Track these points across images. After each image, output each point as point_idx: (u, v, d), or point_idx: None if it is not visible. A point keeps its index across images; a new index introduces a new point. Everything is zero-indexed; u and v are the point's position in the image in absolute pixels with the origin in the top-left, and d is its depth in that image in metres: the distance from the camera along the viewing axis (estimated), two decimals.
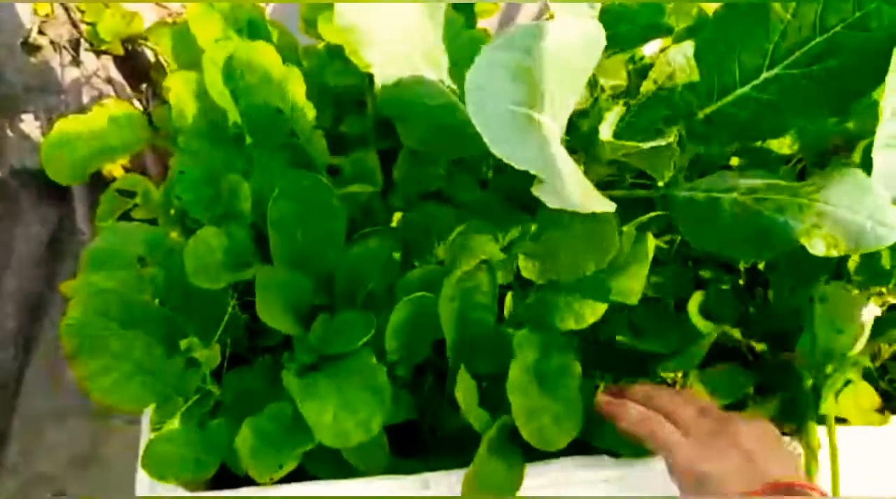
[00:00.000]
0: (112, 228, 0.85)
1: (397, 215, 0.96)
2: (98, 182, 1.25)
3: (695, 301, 0.88)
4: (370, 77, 0.95)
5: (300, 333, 0.82)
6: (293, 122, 0.86)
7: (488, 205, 0.87)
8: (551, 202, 0.68)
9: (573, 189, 0.69)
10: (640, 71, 0.96)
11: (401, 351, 0.80)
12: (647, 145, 0.77)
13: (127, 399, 0.77)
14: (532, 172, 0.65)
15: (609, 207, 0.71)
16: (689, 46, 0.89)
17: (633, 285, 0.81)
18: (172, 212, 0.90)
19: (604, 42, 0.75)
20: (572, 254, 0.78)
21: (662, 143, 0.76)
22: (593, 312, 0.83)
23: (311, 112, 0.85)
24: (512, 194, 0.93)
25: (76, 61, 1.34)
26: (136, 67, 1.39)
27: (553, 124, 0.70)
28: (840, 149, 1.11)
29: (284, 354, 0.83)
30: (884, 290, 0.97)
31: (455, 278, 0.76)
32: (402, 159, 0.91)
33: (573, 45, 0.71)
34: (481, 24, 1.37)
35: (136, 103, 1.39)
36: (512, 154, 0.64)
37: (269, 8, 1.56)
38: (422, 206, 0.91)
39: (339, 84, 0.95)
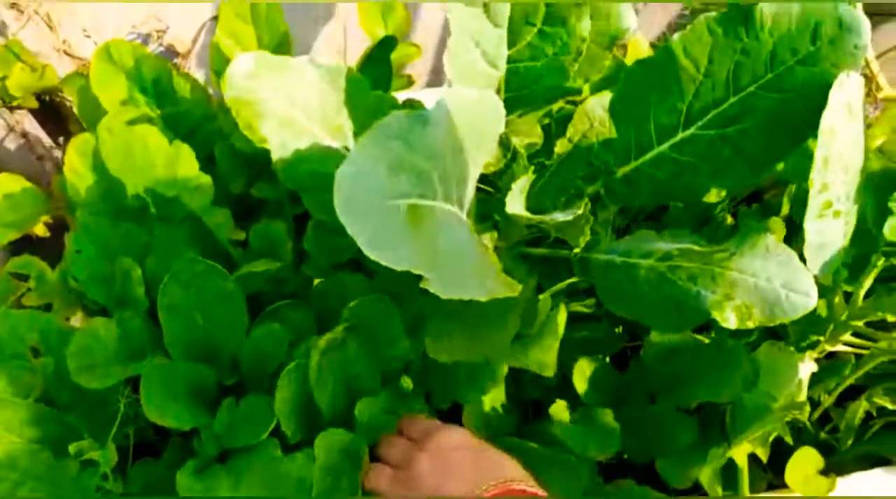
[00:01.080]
0: (3, 316, 0.80)
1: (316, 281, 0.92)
2: None
3: (580, 371, 0.86)
4: None
5: (206, 421, 0.77)
6: (189, 201, 0.81)
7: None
8: (445, 293, 0.64)
9: (474, 280, 0.66)
10: (560, 122, 0.92)
11: (301, 431, 0.76)
12: (557, 219, 0.73)
13: None
14: (416, 272, 0.61)
15: (514, 291, 0.67)
16: (606, 99, 0.86)
17: (546, 359, 0.78)
18: (70, 294, 0.85)
19: (502, 109, 0.72)
20: (474, 337, 0.74)
21: (571, 216, 0.72)
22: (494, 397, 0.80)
23: (207, 188, 0.81)
24: None
25: None
26: (56, 118, 1.33)
27: (449, 207, 0.67)
28: (769, 188, 1.09)
29: (193, 443, 0.79)
30: (821, 338, 0.95)
31: (320, 348, 0.73)
32: (310, 230, 0.87)
33: (468, 118, 0.67)
34: (408, 68, 1.34)
35: (58, 154, 1.33)
36: (393, 256, 0.59)
37: (198, 45, 1.51)
38: (334, 275, 0.86)
39: (248, 149, 0.90)
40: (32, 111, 1.31)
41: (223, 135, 1.00)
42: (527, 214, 0.73)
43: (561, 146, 0.83)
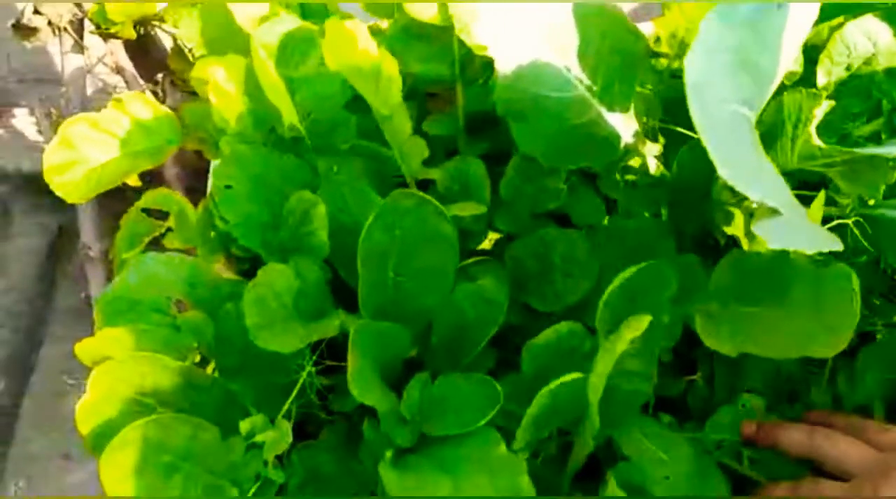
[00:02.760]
0: (141, 263, 0.64)
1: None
2: None
3: None
4: (462, 64, 0.75)
5: (392, 403, 0.61)
6: (385, 124, 0.65)
7: (643, 233, 0.67)
8: (776, 242, 0.48)
9: (801, 222, 0.49)
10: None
11: (531, 444, 0.60)
12: (867, 152, 0.57)
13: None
14: (766, 202, 0.45)
15: (838, 245, 0.51)
16: (874, 23, 0.70)
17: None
18: (213, 237, 0.69)
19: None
20: (794, 330, 0.58)
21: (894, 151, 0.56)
22: None
23: (406, 110, 0.65)
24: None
25: (79, 46, 1.13)
26: (151, 54, 1.18)
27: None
28: None
29: (366, 428, 0.63)
30: None
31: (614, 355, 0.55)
32: (512, 169, 0.71)
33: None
34: None
35: (151, 97, 1.18)
36: (748, 180, 0.43)
37: None
38: (537, 231, 0.70)
39: (426, 74, 0.74)
40: (125, 44, 1.15)
41: None
42: (836, 147, 0.57)
43: (834, 74, 0.67)
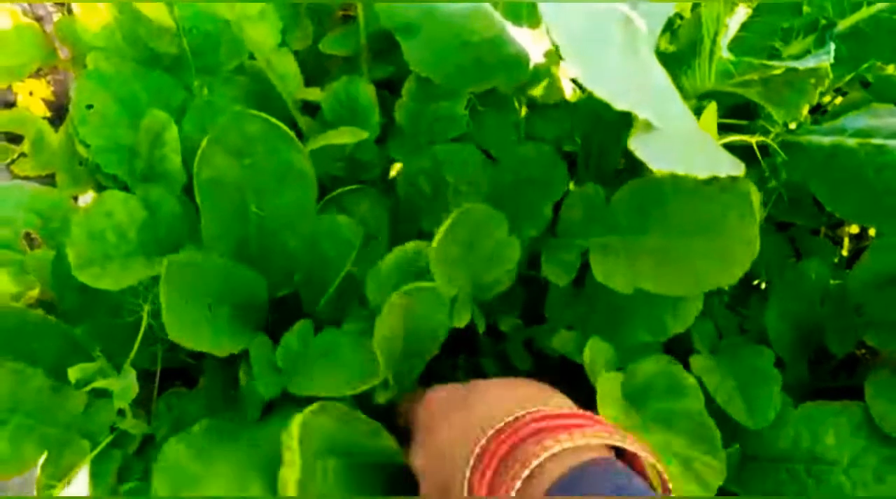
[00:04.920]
0: None
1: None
2: None
3: None
4: None
5: (254, 346, 0.55)
6: (250, 43, 0.58)
7: (530, 162, 0.60)
8: (657, 162, 0.41)
9: (691, 146, 0.43)
10: None
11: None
12: (789, 65, 0.50)
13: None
14: (634, 111, 0.38)
15: (740, 170, 0.45)
16: None
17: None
18: (78, 166, 0.63)
19: None
20: (689, 261, 0.51)
21: (815, 62, 0.49)
22: (682, 321, 0.57)
23: (274, 29, 0.58)
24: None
25: None
26: None
27: (648, 31, 0.44)
28: None
29: (241, 375, 0.57)
30: None
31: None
32: (406, 93, 0.64)
33: None
34: None
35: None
36: (612, 87, 0.37)
37: None
38: (430, 150, 0.63)
39: None
40: None
41: None
42: (748, 60, 0.50)
43: None
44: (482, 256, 0.55)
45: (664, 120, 0.39)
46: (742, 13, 0.51)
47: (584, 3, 0.39)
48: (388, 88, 0.70)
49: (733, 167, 0.45)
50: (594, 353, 0.56)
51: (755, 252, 0.49)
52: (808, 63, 0.47)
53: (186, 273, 0.49)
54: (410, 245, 0.53)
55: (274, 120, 0.52)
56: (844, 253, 0.78)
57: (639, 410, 0.54)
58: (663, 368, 0.57)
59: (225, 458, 0.49)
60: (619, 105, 0.38)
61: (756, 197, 0.49)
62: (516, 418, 0.43)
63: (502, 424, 0.43)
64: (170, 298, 0.47)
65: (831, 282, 0.68)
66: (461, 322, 0.55)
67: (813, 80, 0.51)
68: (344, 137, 0.58)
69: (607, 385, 0.53)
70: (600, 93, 0.38)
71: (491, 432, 0.43)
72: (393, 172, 0.71)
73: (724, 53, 0.50)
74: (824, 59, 0.48)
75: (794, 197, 0.67)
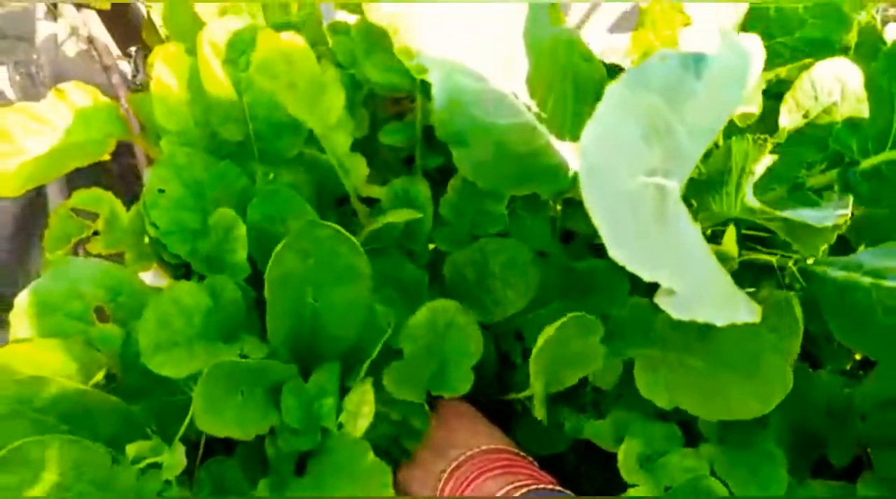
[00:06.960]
0: (61, 265, 0.63)
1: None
2: None
3: None
4: None
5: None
6: (324, 141, 0.63)
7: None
8: (679, 314, 0.45)
9: (713, 296, 0.47)
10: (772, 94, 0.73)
11: None
12: (806, 220, 0.54)
13: None
14: (658, 281, 0.43)
15: (756, 316, 0.49)
16: (846, 66, 0.67)
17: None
18: (145, 242, 0.68)
19: (761, 64, 0.52)
20: (725, 390, 0.56)
21: (832, 221, 0.53)
22: None
23: (348, 126, 0.63)
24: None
25: (52, 14, 1.11)
26: (126, 25, 1.15)
27: (676, 190, 0.49)
28: None
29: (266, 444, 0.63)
30: None
31: None
32: (453, 188, 0.69)
33: (725, 72, 0.48)
34: None
35: (126, 67, 1.15)
36: (643, 259, 0.41)
37: None
38: (476, 243, 0.68)
39: (384, 83, 0.71)
40: (101, 13, 1.13)
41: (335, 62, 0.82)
42: (770, 210, 0.54)
43: (790, 122, 0.65)
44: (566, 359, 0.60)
45: (690, 286, 0.44)
46: (768, 160, 0.56)
47: (623, 179, 0.43)
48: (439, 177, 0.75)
49: (751, 314, 0.49)
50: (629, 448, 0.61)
51: (788, 389, 0.53)
52: (826, 222, 0.52)
53: (224, 370, 0.54)
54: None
55: (341, 229, 0.57)
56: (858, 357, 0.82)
57: None
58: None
59: None
60: (643, 274, 0.42)
61: (798, 341, 0.54)
62: None
63: None
64: (206, 397, 0.52)
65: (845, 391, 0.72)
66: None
67: (831, 226, 0.56)
68: (401, 215, 0.63)
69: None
70: (623, 260, 0.42)
71: None
72: None
73: (749, 198, 0.54)
74: (842, 214, 0.52)
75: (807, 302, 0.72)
